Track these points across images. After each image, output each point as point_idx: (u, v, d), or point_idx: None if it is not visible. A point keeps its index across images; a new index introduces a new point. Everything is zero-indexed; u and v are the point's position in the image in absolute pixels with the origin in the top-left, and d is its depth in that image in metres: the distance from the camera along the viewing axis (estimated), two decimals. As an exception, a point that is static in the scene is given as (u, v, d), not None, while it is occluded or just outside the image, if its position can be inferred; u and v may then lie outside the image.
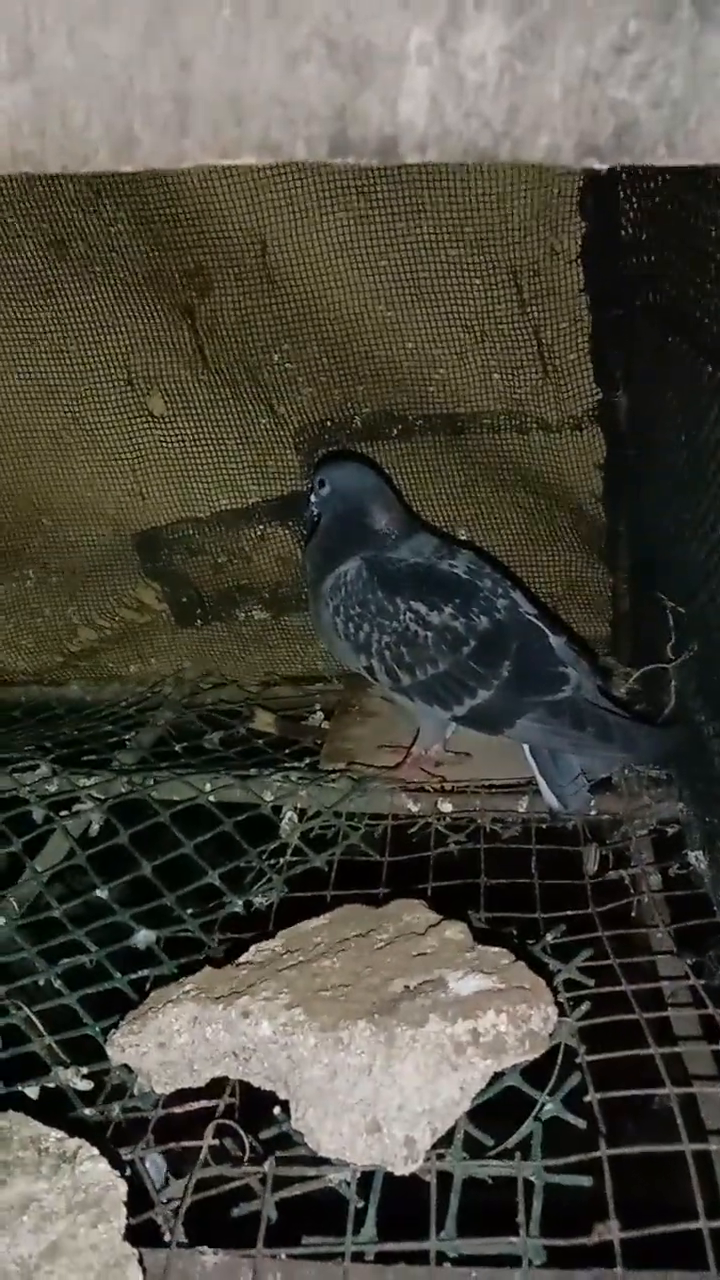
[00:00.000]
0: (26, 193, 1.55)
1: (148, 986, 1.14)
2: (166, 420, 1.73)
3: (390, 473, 1.70)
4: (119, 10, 0.49)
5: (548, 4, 0.50)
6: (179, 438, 1.74)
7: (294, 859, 1.38)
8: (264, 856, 1.39)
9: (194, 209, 1.52)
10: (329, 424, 1.71)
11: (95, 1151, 0.78)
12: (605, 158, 0.54)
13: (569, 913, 1.20)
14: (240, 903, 1.30)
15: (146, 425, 1.73)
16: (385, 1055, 0.84)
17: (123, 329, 1.66)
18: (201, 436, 1.73)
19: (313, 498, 1.58)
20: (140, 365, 1.69)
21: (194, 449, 1.74)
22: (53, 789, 1.52)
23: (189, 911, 1.29)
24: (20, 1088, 1.02)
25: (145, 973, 1.19)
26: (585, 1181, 0.84)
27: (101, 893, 1.32)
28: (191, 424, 1.73)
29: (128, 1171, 0.86)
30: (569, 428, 1.66)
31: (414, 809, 1.47)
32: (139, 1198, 0.85)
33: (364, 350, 1.62)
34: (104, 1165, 0.77)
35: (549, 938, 1.14)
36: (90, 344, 1.67)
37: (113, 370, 1.69)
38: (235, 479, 1.77)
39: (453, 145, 0.53)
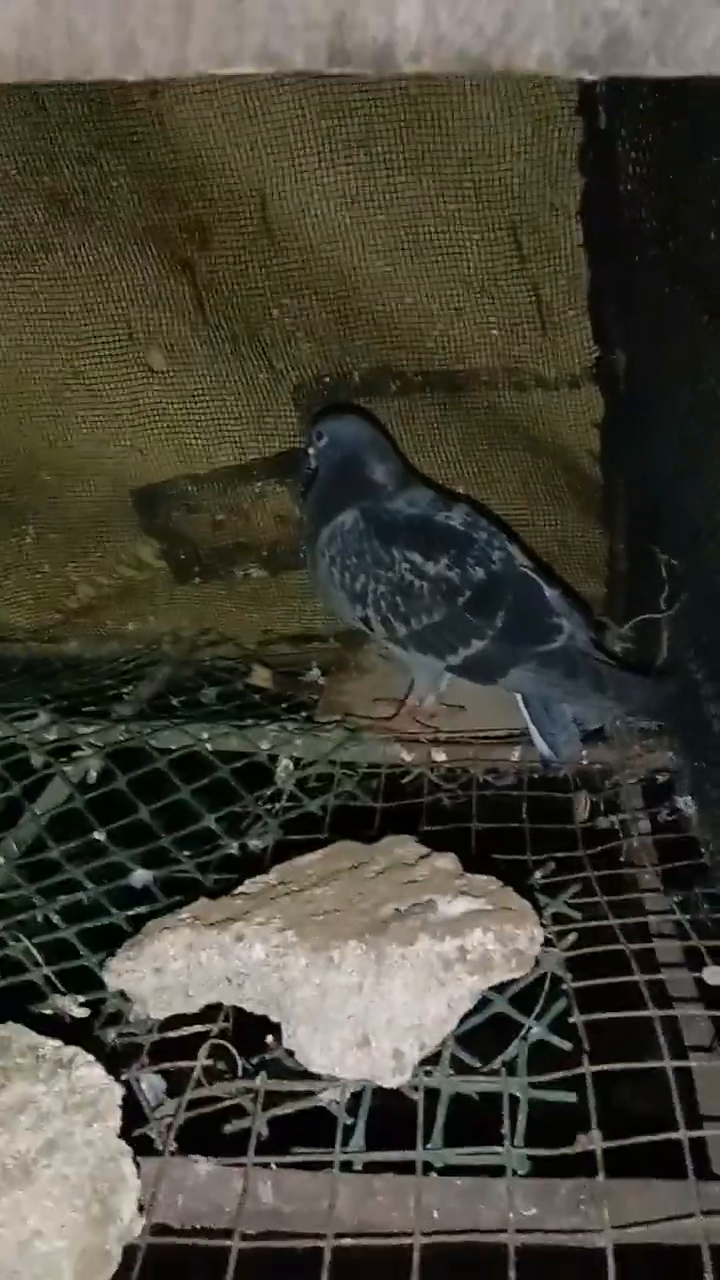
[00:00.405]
0: (27, 146, 1.55)
1: (144, 923, 1.16)
2: (166, 375, 1.74)
3: (389, 430, 1.72)
4: None
5: None
6: (178, 393, 1.75)
7: (289, 804, 1.40)
8: (260, 802, 1.41)
9: (193, 163, 1.53)
10: (328, 380, 1.72)
11: (91, 1058, 0.81)
12: (597, 67, 0.55)
13: (559, 855, 1.22)
14: (236, 845, 1.33)
15: (146, 380, 1.74)
16: (375, 973, 0.87)
17: (122, 284, 1.66)
18: (201, 392, 1.74)
19: (310, 450, 1.59)
20: (140, 320, 1.69)
21: (193, 404, 1.75)
22: (52, 736, 1.54)
23: (185, 853, 1.31)
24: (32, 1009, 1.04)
25: (142, 909, 1.21)
26: (570, 1097, 0.86)
27: (99, 835, 1.34)
28: (191, 379, 1.74)
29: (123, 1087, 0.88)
30: (567, 385, 1.67)
31: (408, 759, 1.49)
32: (134, 1115, 0.87)
33: (363, 306, 1.63)
34: (99, 1070, 0.80)
35: (538, 875, 1.17)
36: (90, 299, 1.68)
37: (112, 325, 1.70)
38: (234, 435, 1.78)
39: (447, 52, 0.54)
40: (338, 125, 1.48)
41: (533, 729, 1.44)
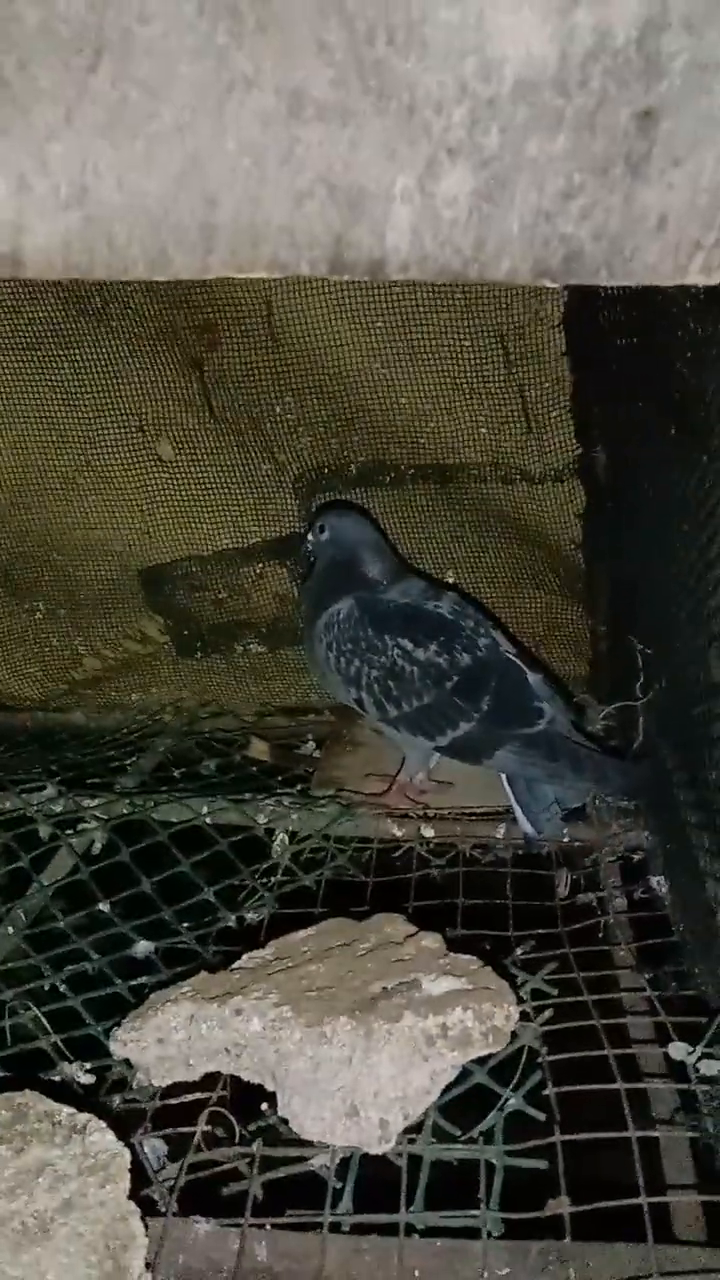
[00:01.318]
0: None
1: (146, 992, 1.23)
2: (174, 465, 1.84)
3: (382, 518, 1.82)
4: (159, 159, 0.61)
5: (508, 159, 0.61)
6: (185, 481, 1.85)
7: (284, 878, 1.47)
8: (256, 875, 1.48)
9: (206, 273, 1.64)
10: (326, 471, 1.82)
11: (103, 1124, 0.88)
12: (556, 278, 0.65)
13: (540, 931, 1.30)
14: (233, 917, 1.40)
15: (155, 469, 1.84)
16: (364, 1047, 0.94)
17: (135, 379, 1.77)
18: (206, 480, 1.84)
19: (310, 537, 1.68)
20: (150, 413, 1.80)
21: (199, 492, 1.85)
22: (58, 809, 1.61)
23: (185, 925, 1.38)
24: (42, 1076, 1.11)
25: (144, 980, 1.28)
26: (541, 1164, 0.93)
27: (103, 906, 1.41)
28: (197, 469, 1.84)
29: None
30: (551, 479, 1.78)
31: (398, 833, 1.56)
32: (138, 1177, 0.94)
33: (360, 404, 1.74)
34: (110, 1136, 0.87)
35: (519, 952, 1.24)
36: (104, 392, 1.79)
37: (124, 417, 1.80)
38: (237, 520, 1.88)
39: (430, 267, 0.64)
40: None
41: (516, 807, 1.52)
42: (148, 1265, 0.81)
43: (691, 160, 0.61)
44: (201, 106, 0.60)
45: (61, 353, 1.76)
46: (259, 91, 0.60)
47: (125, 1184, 0.83)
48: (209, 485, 1.85)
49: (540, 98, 0.60)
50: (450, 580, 1.87)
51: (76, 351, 1.76)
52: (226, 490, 1.85)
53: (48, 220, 0.64)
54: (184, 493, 1.85)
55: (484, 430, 1.74)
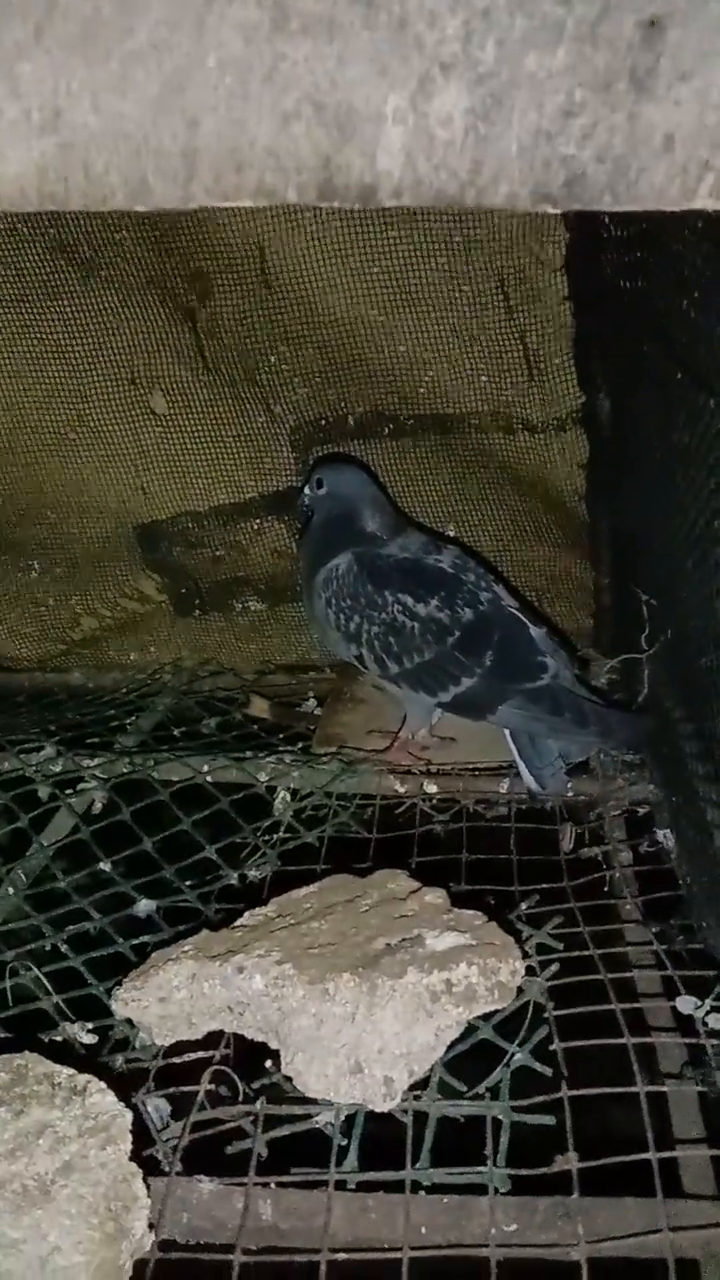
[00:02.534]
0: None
1: (148, 951, 1.22)
2: (168, 418, 1.80)
3: (382, 470, 1.79)
4: (135, 79, 0.57)
5: (505, 75, 0.57)
6: (179, 435, 1.81)
7: (286, 835, 1.46)
8: (258, 833, 1.47)
9: (196, 217, 1.60)
10: (323, 423, 1.79)
11: (103, 1085, 0.87)
12: (558, 204, 0.62)
13: (544, 886, 1.28)
14: (235, 875, 1.38)
15: (148, 423, 1.81)
16: (367, 1004, 0.93)
17: (126, 331, 1.73)
18: (201, 434, 1.81)
19: (307, 491, 1.65)
20: (143, 365, 1.76)
21: (194, 446, 1.82)
22: (57, 769, 1.60)
23: (187, 883, 1.37)
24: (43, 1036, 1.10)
25: (146, 939, 1.27)
26: (549, 1120, 0.92)
27: (104, 866, 1.40)
28: (192, 422, 1.80)
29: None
30: (553, 429, 1.74)
31: (401, 790, 1.55)
32: (141, 1137, 0.93)
33: (357, 353, 1.70)
34: (111, 1097, 0.86)
35: (523, 906, 1.22)
36: (95, 345, 1.75)
37: (116, 370, 1.77)
38: (233, 475, 1.85)
39: (424, 192, 0.61)
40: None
41: (520, 762, 1.50)
42: (150, 1226, 0.81)
43: (700, 74, 0.58)
44: (180, 20, 0.57)
45: (50, 305, 1.72)
46: (240, 3, 0.56)
47: (126, 1145, 0.82)
48: (203, 439, 1.81)
49: (539, 7, 0.56)
50: (451, 534, 1.84)
51: (66, 303, 1.72)
52: (221, 444, 1.82)
53: (20, 147, 0.61)
54: (178, 447, 1.82)
55: (484, 379, 1.70)
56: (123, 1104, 0.86)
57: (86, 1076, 0.88)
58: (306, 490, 1.66)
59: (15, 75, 0.58)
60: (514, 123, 0.59)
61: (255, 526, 1.91)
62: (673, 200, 0.61)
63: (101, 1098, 0.85)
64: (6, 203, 0.62)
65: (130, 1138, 0.83)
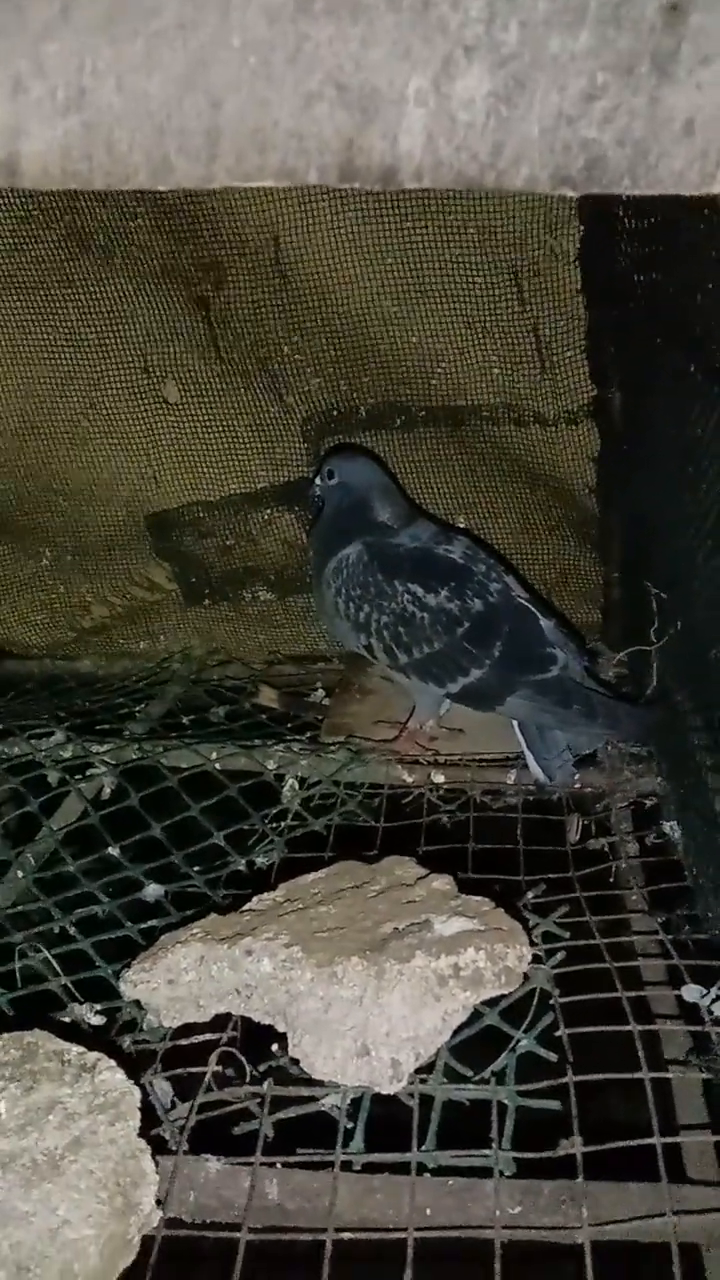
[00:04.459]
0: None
1: (156, 935, 1.22)
2: (180, 407, 1.81)
3: (393, 462, 1.79)
4: (161, 59, 0.57)
5: (528, 58, 0.58)
6: (192, 424, 1.82)
7: (294, 823, 1.46)
8: (266, 820, 1.47)
9: (211, 205, 1.60)
10: (335, 414, 1.79)
11: (113, 1063, 0.87)
12: (578, 187, 0.62)
13: (551, 876, 1.29)
14: (243, 862, 1.39)
15: (161, 412, 1.81)
16: (375, 987, 0.93)
17: (140, 319, 1.74)
18: (213, 423, 1.81)
19: (318, 481, 1.66)
20: (156, 354, 1.77)
21: (206, 435, 1.82)
22: (67, 754, 1.60)
23: (195, 869, 1.38)
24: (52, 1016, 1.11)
25: (154, 922, 1.28)
26: (554, 1105, 0.92)
27: (113, 850, 1.41)
28: (204, 411, 1.81)
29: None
30: (565, 422, 1.74)
31: (408, 780, 1.55)
32: (148, 1117, 0.94)
33: (370, 344, 1.70)
34: (120, 1075, 0.86)
35: (530, 895, 1.23)
36: (108, 333, 1.75)
37: (129, 359, 1.77)
38: (244, 464, 1.85)
39: (445, 174, 0.61)
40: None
41: (528, 753, 1.50)
42: (158, 1202, 0.81)
43: (721, 59, 0.58)
44: (205, 1, 0.57)
45: (65, 293, 1.73)
46: (265, -16, 0.56)
47: (135, 1122, 0.82)
48: (215, 428, 1.82)
49: (563, -11, 0.56)
50: (462, 525, 1.84)
51: (80, 291, 1.73)
52: (233, 434, 1.82)
53: (45, 125, 0.61)
54: (190, 436, 1.82)
55: (497, 371, 1.70)
56: (131, 1081, 0.86)
57: (96, 1054, 0.88)
58: (317, 480, 1.66)
59: (41, 54, 0.58)
60: (536, 105, 0.59)
61: (266, 516, 1.91)
62: (692, 185, 0.61)
63: (111, 1075, 0.86)
64: (29, 180, 0.63)
65: (139, 1114, 0.83)
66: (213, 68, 0.58)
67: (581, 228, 1.56)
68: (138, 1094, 0.85)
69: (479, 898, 1.04)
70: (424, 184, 0.62)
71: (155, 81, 0.59)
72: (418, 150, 0.61)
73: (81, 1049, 0.89)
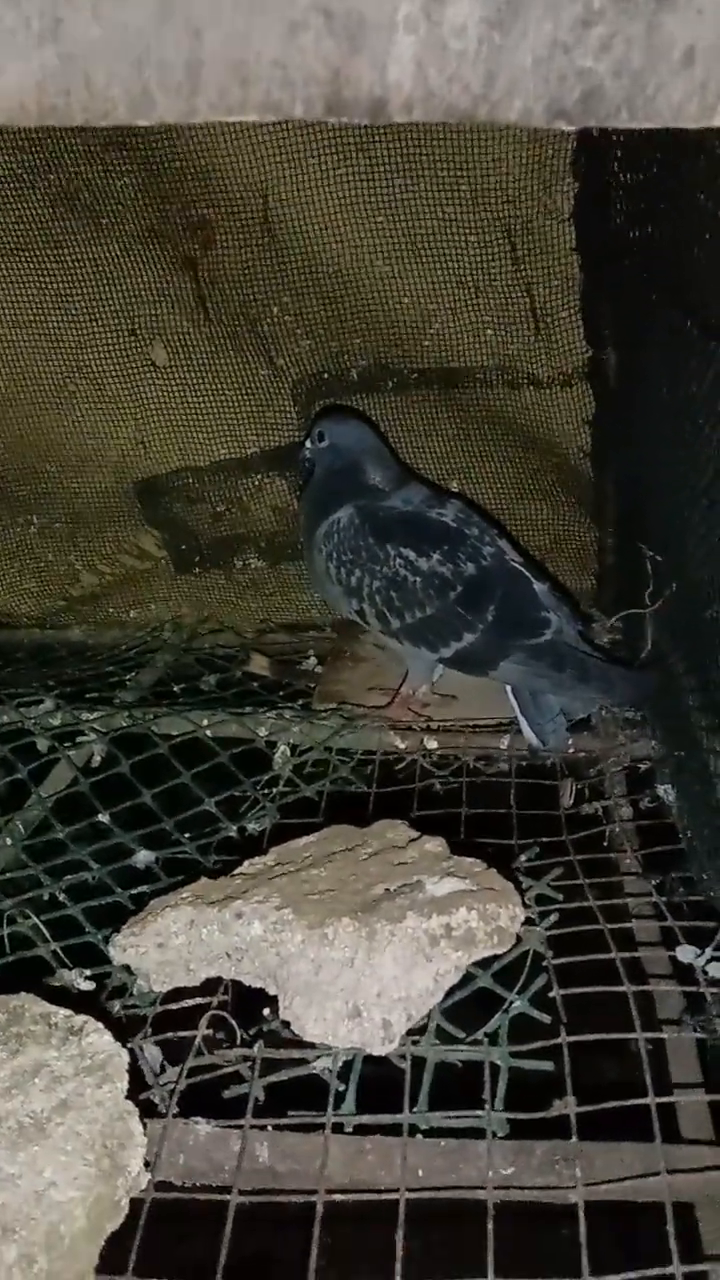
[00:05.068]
0: (35, 145, 1.59)
1: (147, 901, 1.21)
2: (168, 371, 1.78)
3: (385, 425, 1.77)
4: (139, -17, 0.55)
5: (521, -19, 0.55)
6: (180, 388, 1.80)
7: (286, 789, 1.45)
8: (258, 786, 1.46)
9: (198, 163, 1.57)
10: (326, 376, 1.77)
11: (100, 1025, 0.86)
12: (573, 120, 0.60)
13: (544, 839, 1.28)
14: (235, 828, 1.38)
15: (149, 375, 1.79)
16: (366, 948, 0.92)
17: (127, 280, 1.71)
18: (202, 387, 1.79)
19: (308, 443, 1.63)
20: (143, 316, 1.74)
21: (195, 399, 1.80)
22: (57, 722, 1.59)
23: (186, 835, 1.37)
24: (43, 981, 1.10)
25: (145, 888, 1.27)
26: (547, 1066, 0.92)
27: (103, 817, 1.40)
28: (193, 374, 1.78)
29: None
30: (559, 384, 1.72)
31: (401, 746, 1.54)
32: (138, 1081, 0.93)
33: (361, 304, 1.68)
34: (108, 1037, 0.85)
35: (523, 858, 1.22)
36: (95, 295, 1.73)
37: (117, 321, 1.75)
38: (234, 429, 1.83)
39: (435, 106, 0.59)
40: (338, 130, 1.52)
41: (521, 718, 1.49)
42: (146, 1164, 0.80)
43: (723, -18, 0.56)
44: None
45: (50, 254, 1.70)
46: None
47: (123, 1084, 0.81)
48: (204, 392, 1.79)
49: None
50: (455, 490, 1.82)
51: (66, 252, 1.70)
52: (223, 397, 1.80)
53: (19, 58, 0.58)
54: (179, 400, 1.80)
55: (490, 332, 1.68)
56: (119, 1044, 0.85)
57: (84, 1017, 0.87)
58: (308, 443, 1.64)
59: (13, -22, 0.56)
60: (529, 33, 0.57)
61: (256, 482, 1.89)
62: (691, 117, 0.59)
63: (98, 1037, 0.85)
64: (5, 116, 0.60)
65: (126, 1076, 0.82)
66: (193, -7, 0.56)
67: (576, 184, 1.53)
68: (125, 1056, 0.84)
69: (471, 859, 1.03)
70: (414, 117, 0.60)
71: (133, 9, 0.56)
72: (407, 81, 0.58)
73: (69, 1012, 0.88)
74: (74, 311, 1.74)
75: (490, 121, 0.59)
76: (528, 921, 1.05)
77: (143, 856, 1.33)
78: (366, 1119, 0.90)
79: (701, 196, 1.11)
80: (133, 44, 0.58)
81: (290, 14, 0.57)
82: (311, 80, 0.59)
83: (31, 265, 1.71)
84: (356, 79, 0.58)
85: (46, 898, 1.26)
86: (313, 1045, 0.95)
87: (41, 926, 1.19)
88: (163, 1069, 0.99)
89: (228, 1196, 0.83)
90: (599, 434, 1.74)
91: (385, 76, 0.58)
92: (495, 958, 0.99)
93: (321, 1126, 0.89)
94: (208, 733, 1.57)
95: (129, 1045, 0.97)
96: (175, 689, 1.77)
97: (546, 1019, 0.97)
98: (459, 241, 1.60)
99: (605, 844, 1.30)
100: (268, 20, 0.57)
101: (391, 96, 0.59)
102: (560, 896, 1.13)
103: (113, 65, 0.59)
